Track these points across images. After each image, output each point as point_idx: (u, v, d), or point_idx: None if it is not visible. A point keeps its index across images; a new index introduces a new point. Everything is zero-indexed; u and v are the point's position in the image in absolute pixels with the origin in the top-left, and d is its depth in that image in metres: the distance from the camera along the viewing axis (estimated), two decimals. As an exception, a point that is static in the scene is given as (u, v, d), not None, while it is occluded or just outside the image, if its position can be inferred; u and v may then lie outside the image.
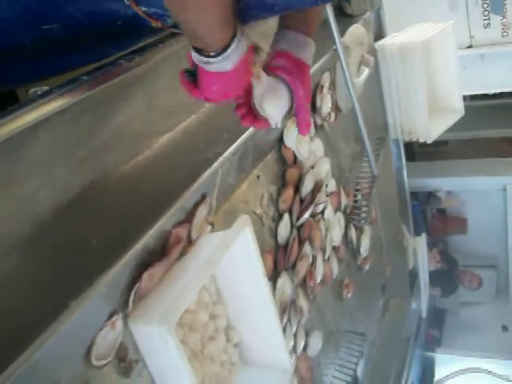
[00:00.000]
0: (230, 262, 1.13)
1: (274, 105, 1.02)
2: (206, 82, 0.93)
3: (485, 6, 3.50)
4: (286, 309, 1.52)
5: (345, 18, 2.23)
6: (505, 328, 5.29)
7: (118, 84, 1.03)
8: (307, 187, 1.60)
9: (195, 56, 0.88)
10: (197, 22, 0.82)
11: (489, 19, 3.52)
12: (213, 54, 0.86)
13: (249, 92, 1.01)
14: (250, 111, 1.05)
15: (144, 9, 0.95)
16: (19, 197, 0.91)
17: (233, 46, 0.86)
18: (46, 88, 0.92)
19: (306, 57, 1.07)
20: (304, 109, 1.06)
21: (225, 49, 0.85)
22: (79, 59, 1.08)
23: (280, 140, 1.50)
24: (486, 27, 3.55)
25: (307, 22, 1.08)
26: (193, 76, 0.94)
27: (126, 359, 0.94)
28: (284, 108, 1.05)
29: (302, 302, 1.61)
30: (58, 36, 1.01)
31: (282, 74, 1.04)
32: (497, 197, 5.16)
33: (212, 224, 1.16)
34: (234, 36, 0.85)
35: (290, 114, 1.07)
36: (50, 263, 0.87)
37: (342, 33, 1.99)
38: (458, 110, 2.54)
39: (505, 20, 3.49)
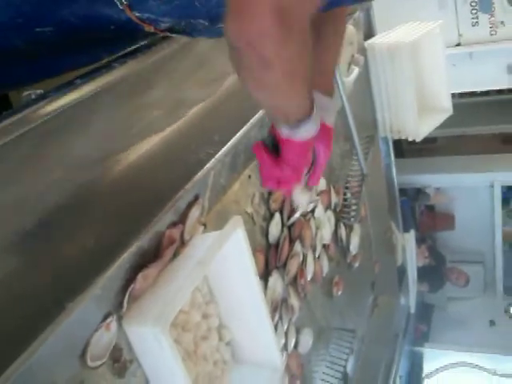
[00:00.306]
0: (222, 261, 1.14)
1: None
2: (292, 153, 1.02)
3: (473, 4, 3.53)
4: (278, 307, 1.53)
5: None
6: (492, 323, 5.35)
7: (110, 87, 1.03)
8: (298, 186, 1.61)
9: (284, 131, 0.97)
10: (289, 105, 0.91)
11: (477, 18, 3.55)
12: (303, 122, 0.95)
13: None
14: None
15: (137, 14, 0.96)
16: (11, 199, 0.91)
17: (315, 111, 0.94)
18: (39, 91, 0.92)
19: (331, 120, 1.17)
20: (321, 169, 1.18)
21: (310, 113, 0.94)
22: (72, 62, 1.08)
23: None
24: (474, 26, 3.58)
25: (327, 73, 1.20)
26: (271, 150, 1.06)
27: (120, 360, 0.95)
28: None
29: (293, 300, 1.62)
30: (50, 39, 1.01)
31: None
32: (484, 193, 5.20)
33: (204, 225, 1.17)
34: (312, 101, 0.94)
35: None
36: (45, 265, 0.87)
37: (332, 32, 2.01)
38: (446, 108, 2.57)
39: (493, 19, 3.52)
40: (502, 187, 5.12)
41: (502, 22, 3.52)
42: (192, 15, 0.95)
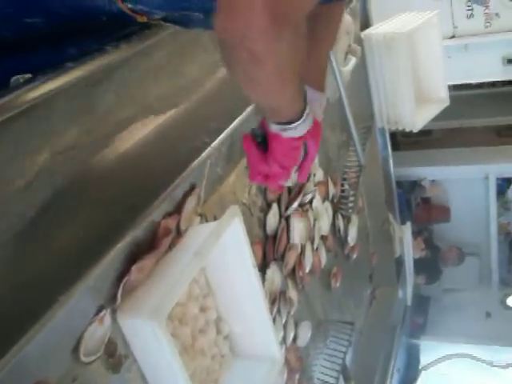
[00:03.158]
0: (219, 253, 1.11)
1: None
2: (280, 149, 0.99)
3: (467, -4, 3.51)
4: (276, 299, 1.51)
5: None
6: (488, 314, 5.34)
7: (103, 71, 1.00)
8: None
9: (274, 127, 0.96)
10: (281, 102, 0.89)
11: (472, 10, 3.52)
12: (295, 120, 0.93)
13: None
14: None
15: (130, 6, 0.93)
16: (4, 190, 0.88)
17: (307, 110, 0.93)
18: (28, 76, 0.88)
19: (319, 113, 1.15)
20: (310, 163, 1.15)
21: (302, 112, 0.93)
22: (63, 54, 1.04)
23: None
24: (469, 18, 3.56)
25: (318, 68, 1.17)
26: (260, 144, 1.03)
27: (115, 354, 0.92)
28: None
29: (292, 293, 1.60)
30: (40, 30, 0.98)
31: None
32: (479, 185, 5.19)
33: (201, 215, 1.14)
34: (305, 99, 0.93)
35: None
36: (38, 256, 0.84)
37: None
38: (443, 99, 2.54)
39: (487, 11, 3.50)
40: (497, 179, 5.13)
41: (497, 14, 3.50)
42: (186, 8, 0.93)
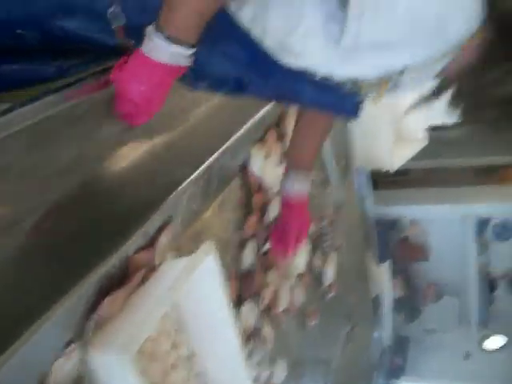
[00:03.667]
0: (193, 288, 1.11)
1: None
2: (139, 76, 0.90)
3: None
4: (251, 337, 1.50)
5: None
6: (467, 355, 5.34)
7: (84, 102, 1.01)
8: (272, 214, 1.59)
9: (152, 29, 0.87)
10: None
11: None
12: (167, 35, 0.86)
13: None
14: None
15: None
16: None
17: (183, 49, 0.87)
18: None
19: (303, 191, 1.33)
20: (300, 241, 1.36)
21: (177, 43, 0.87)
22: (45, 72, 1.05)
23: (245, 166, 1.50)
24: (447, 59, 3.65)
25: (308, 153, 1.31)
26: None
27: (83, 390, 0.91)
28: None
29: (267, 331, 1.59)
30: (27, 43, 0.99)
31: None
32: (458, 225, 5.24)
33: (176, 250, 1.14)
34: (190, 45, 0.88)
35: None
36: (5, 287, 0.83)
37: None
38: (421, 139, 2.59)
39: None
40: (476, 219, 5.18)
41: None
42: None
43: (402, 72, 0.91)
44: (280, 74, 0.97)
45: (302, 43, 0.89)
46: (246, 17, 0.90)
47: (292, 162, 1.31)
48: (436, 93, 0.98)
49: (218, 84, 1.05)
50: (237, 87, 1.03)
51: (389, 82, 0.95)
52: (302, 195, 1.30)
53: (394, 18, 0.80)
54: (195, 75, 1.00)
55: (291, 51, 0.91)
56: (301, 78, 0.96)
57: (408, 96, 2.46)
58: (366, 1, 0.80)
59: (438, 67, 0.91)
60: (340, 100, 1.01)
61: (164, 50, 0.87)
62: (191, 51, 0.89)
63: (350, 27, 0.81)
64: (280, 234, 1.45)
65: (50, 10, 0.95)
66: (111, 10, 0.92)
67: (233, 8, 0.90)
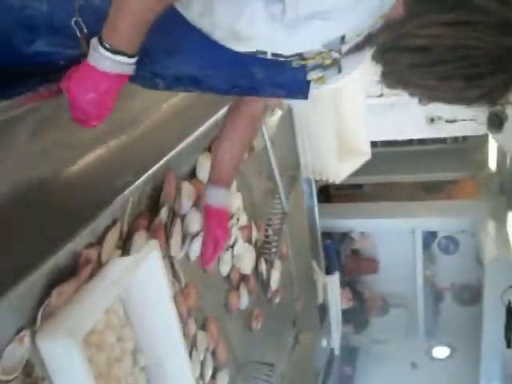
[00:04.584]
0: (138, 285, 1.19)
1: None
2: (86, 85, 0.96)
3: (395, 58, 3.75)
4: (195, 336, 1.57)
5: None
6: (414, 365, 5.49)
7: (34, 111, 1.07)
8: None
9: (94, 41, 0.93)
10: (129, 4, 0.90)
11: (398, 71, 3.77)
12: (105, 45, 0.91)
13: None
14: None
15: None
16: None
17: (125, 59, 0.93)
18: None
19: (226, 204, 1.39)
20: (219, 251, 1.40)
21: (119, 53, 0.92)
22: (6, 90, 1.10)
23: (193, 173, 1.58)
24: (395, 78, 3.80)
25: (231, 165, 1.34)
26: None
27: (31, 376, 0.97)
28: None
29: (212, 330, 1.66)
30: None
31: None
32: (406, 238, 5.40)
33: (122, 248, 1.21)
34: (132, 55, 0.93)
35: None
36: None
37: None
38: (365, 152, 2.71)
39: (413, 73, 3.75)
40: (423, 232, 5.35)
41: (421, 76, 3.75)
42: None
43: (342, 40, 0.94)
44: (232, 64, 1.04)
45: (249, 28, 0.93)
46: (193, 14, 0.97)
47: (213, 176, 1.37)
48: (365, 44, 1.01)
49: (174, 83, 1.11)
50: (193, 84, 1.10)
51: (331, 52, 0.99)
52: (220, 207, 1.37)
53: None
54: (152, 76, 1.07)
55: (240, 37, 0.96)
56: (252, 63, 1.03)
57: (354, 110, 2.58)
58: None
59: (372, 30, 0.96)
60: (290, 78, 1.05)
61: (107, 61, 0.93)
62: (133, 60, 0.95)
63: (290, 4, 0.87)
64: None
65: (12, 29, 1.00)
66: (74, 19, 0.97)
67: (180, 8, 0.96)
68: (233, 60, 1.02)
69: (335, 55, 1.01)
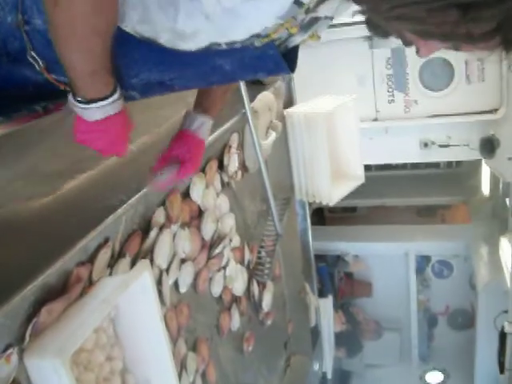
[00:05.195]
0: (129, 305, 1.18)
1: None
2: (80, 128, 0.98)
3: (389, 83, 3.80)
4: (184, 356, 1.56)
5: (257, 85, 2.37)
6: (407, 390, 5.47)
7: (30, 128, 1.08)
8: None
9: (70, 99, 0.93)
10: (71, 61, 0.88)
11: (393, 95, 3.82)
12: (79, 99, 0.92)
13: None
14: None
15: (54, 76, 1.01)
16: None
17: (106, 101, 0.92)
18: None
19: (205, 134, 1.31)
20: (182, 176, 1.30)
21: (97, 100, 0.92)
22: None
23: (186, 193, 1.59)
24: (390, 103, 3.85)
25: (214, 102, 1.30)
26: None
27: (18, 395, 0.96)
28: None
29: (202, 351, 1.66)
30: None
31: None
32: (400, 262, 5.42)
33: (113, 267, 1.21)
34: (109, 94, 0.93)
35: None
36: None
37: (253, 98, 2.14)
38: (358, 176, 2.72)
39: (407, 97, 3.80)
40: (417, 257, 5.36)
41: (416, 101, 3.80)
42: None
43: (299, 4, 0.83)
44: (191, 63, 0.99)
45: (190, 24, 0.89)
46: (133, 23, 0.93)
47: (197, 105, 1.30)
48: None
49: (147, 90, 1.08)
50: (165, 88, 1.07)
51: (295, 19, 0.89)
52: (199, 135, 1.29)
53: None
54: (124, 91, 1.03)
55: (185, 36, 0.92)
56: (213, 56, 0.97)
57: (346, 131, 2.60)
58: None
59: None
60: (261, 58, 0.98)
61: (92, 111, 0.93)
62: (116, 95, 0.94)
63: None
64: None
65: None
66: (28, 54, 0.97)
67: (122, 25, 0.92)
68: (190, 59, 0.98)
69: (301, 17, 0.90)
